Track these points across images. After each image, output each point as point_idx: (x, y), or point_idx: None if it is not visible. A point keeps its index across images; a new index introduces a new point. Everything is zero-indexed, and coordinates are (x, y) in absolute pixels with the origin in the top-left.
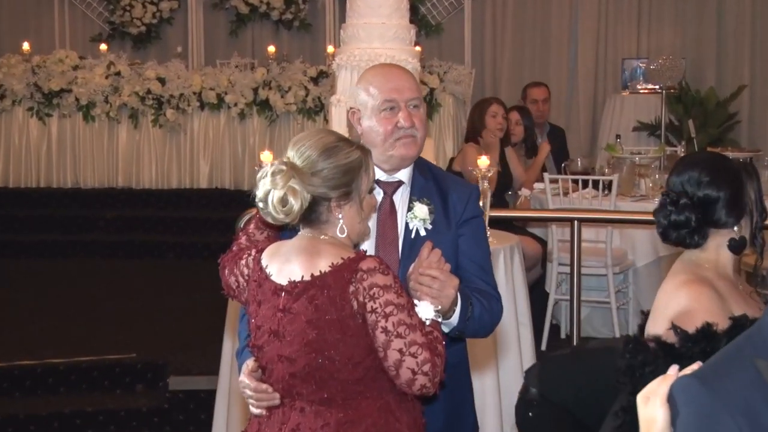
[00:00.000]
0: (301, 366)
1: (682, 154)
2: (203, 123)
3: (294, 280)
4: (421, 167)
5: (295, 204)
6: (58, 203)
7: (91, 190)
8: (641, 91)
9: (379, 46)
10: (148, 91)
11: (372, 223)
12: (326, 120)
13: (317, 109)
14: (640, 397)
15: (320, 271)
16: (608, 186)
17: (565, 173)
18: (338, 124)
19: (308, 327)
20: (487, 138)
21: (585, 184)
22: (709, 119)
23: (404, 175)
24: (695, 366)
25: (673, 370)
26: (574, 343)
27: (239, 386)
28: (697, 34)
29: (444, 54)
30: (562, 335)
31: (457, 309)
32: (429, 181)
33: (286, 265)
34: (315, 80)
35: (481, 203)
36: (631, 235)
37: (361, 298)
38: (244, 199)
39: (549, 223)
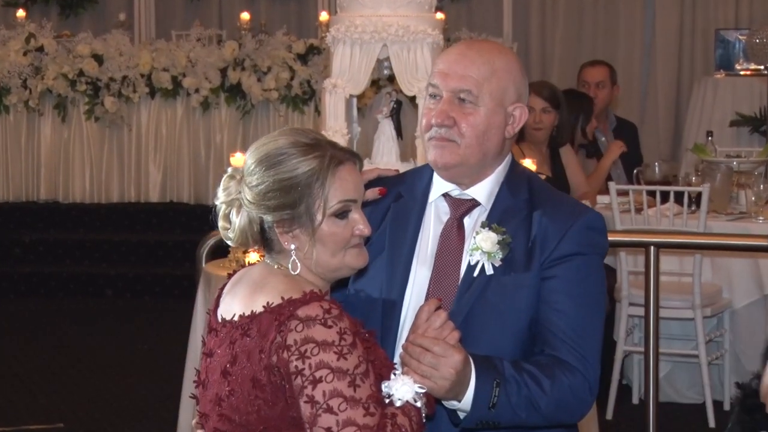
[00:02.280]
0: (212, 429)
1: None
2: (154, 115)
3: (225, 319)
4: (515, 181)
5: (238, 222)
6: None
7: (4, 206)
8: (741, 72)
9: (388, 13)
10: (81, 73)
11: (429, 254)
12: (318, 111)
13: (306, 97)
14: None
15: (252, 311)
16: (696, 200)
17: (638, 183)
18: (333, 116)
19: (222, 380)
20: (529, 136)
21: (665, 197)
22: None
23: (481, 191)
24: None
25: None
26: (651, 409)
27: None
28: None
29: (475, 23)
30: (635, 399)
31: (470, 391)
32: (519, 202)
33: (231, 297)
34: (303, 58)
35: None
36: (727, 266)
37: (285, 354)
38: (207, 218)
39: (616, 249)
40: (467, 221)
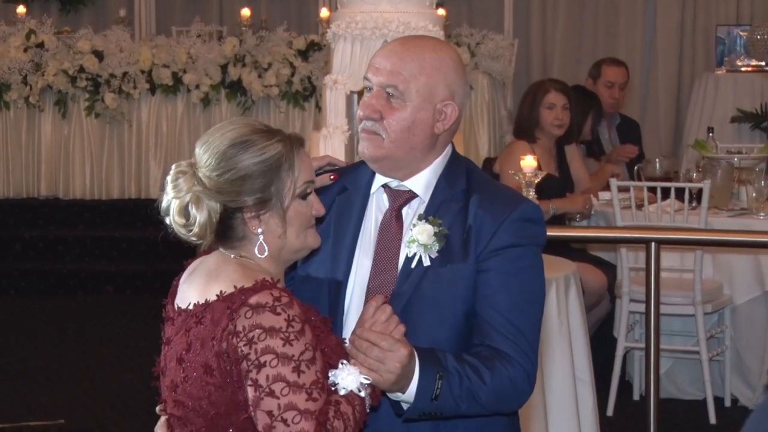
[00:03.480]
0: (168, 414)
1: None
2: (154, 111)
3: (180, 307)
4: (453, 173)
5: (199, 216)
6: None
7: (4, 202)
8: (742, 68)
9: (389, 9)
10: (81, 69)
11: (370, 244)
12: (318, 107)
13: (307, 93)
14: None
15: (206, 300)
16: (697, 196)
17: (639, 179)
18: (334, 112)
19: (178, 367)
20: (543, 135)
21: (666, 193)
22: None
23: (418, 183)
24: None
25: None
26: (651, 405)
27: None
28: None
29: (476, 20)
30: (635, 396)
31: (414, 383)
32: (457, 193)
33: (188, 286)
34: (304, 54)
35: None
36: (728, 263)
37: (234, 340)
38: None
39: (617, 245)
40: (406, 212)
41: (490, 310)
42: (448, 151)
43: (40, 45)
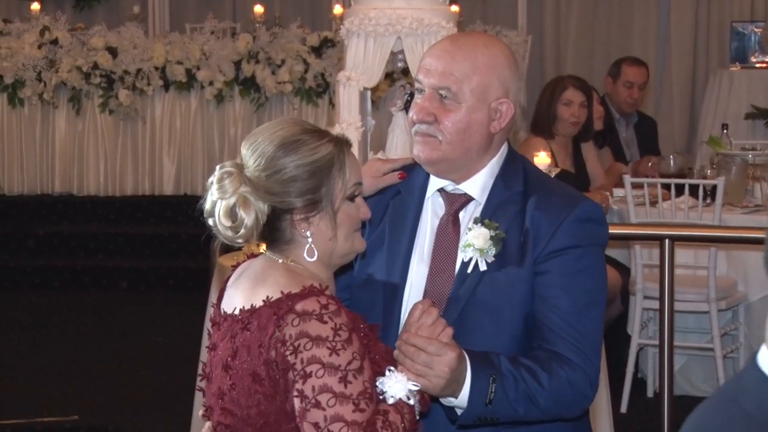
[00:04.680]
0: (216, 423)
1: None
2: (168, 108)
3: (226, 312)
4: (510, 173)
5: (247, 218)
6: None
7: (18, 198)
8: (756, 65)
9: (402, 6)
10: (95, 66)
11: (427, 249)
12: (332, 104)
13: (320, 90)
14: None
15: (252, 305)
16: (711, 193)
17: (653, 175)
18: (347, 108)
19: (224, 374)
20: (559, 131)
21: (680, 190)
22: None
23: (474, 185)
24: None
25: None
26: (665, 403)
27: None
28: None
29: (490, 16)
30: (649, 393)
31: (466, 388)
32: (514, 195)
33: (234, 290)
34: (317, 51)
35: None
36: (742, 259)
37: (282, 348)
38: None
39: (631, 242)
40: (462, 216)
41: (548, 312)
42: (504, 149)
43: (54, 42)
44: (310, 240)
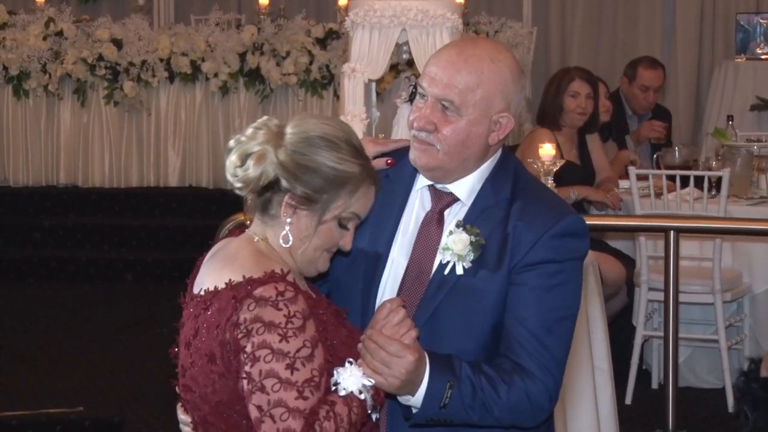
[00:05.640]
0: (183, 400)
1: None
2: (173, 100)
3: (193, 293)
4: (499, 178)
5: (252, 170)
6: None
7: (23, 190)
8: (762, 56)
9: None
10: (100, 57)
11: (409, 241)
12: (336, 95)
13: (325, 82)
14: None
15: (215, 287)
16: (716, 184)
17: (658, 167)
18: (352, 100)
19: (186, 352)
20: (570, 120)
21: (685, 181)
22: None
23: (462, 188)
24: None
25: None
26: (670, 394)
27: None
28: None
29: (495, 7)
30: (654, 384)
31: (421, 389)
32: (501, 200)
33: (205, 270)
34: (322, 43)
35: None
36: (747, 251)
37: (235, 331)
38: (226, 202)
39: (636, 234)
40: (447, 214)
41: (517, 324)
42: (497, 155)
43: (59, 33)
44: (288, 228)
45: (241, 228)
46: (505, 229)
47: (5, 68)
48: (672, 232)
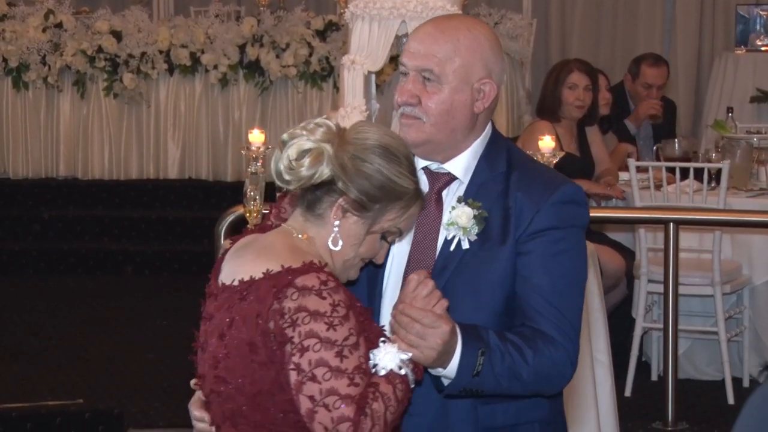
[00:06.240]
0: (208, 391)
1: None
2: (172, 92)
3: (224, 283)
4: (493, 154)
5: (306, 168)
6: None
7: (23, 182)
8: (762, 48)
9: None
10: (99, 49)
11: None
12: (336, 87)
13: (325, 74)
14: None
15: (251, 277)
16: (716, 176)
17: (658, 159)
18: (352, 92)
19: (219, 343)
20: (568, 112)
21: (684, 173)
22: None
23: (458, 165)
24: None
25: None
26: (670, 386)
27: None
28: None
29: None
30: (654, 376)
31: (455, 359)
32: (497, 175)
33: (234, 261)
34: (322, 34)
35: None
36: (747, 243)
37: (280, 321)
38: (226, 194)
39: (636, 226)
40: (445, 194)
41: (531, 292)
42: (488, 131)
43: (59, 25)
44: (336, 230)
45: (261, 226)
46: (505, 200)
47: (5, 60)
48: (672, 224)
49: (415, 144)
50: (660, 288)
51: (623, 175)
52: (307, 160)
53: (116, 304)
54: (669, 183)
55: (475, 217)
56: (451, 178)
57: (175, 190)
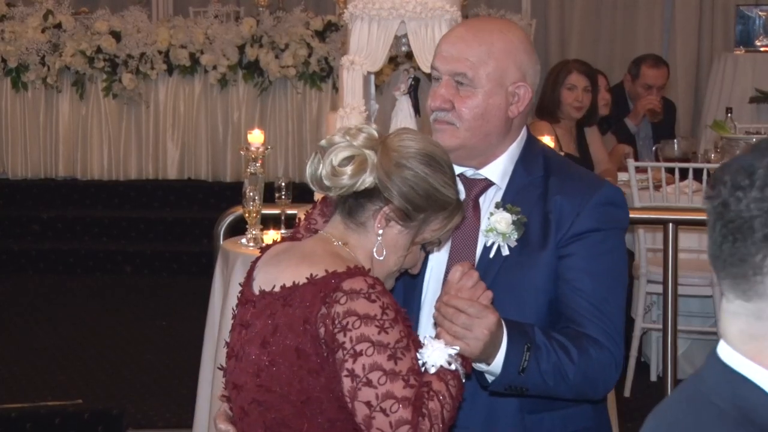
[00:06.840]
0: (249, 401)
1: None
2: (171, 92)
3: (264, 290)
4: (530, 158)
5: (348, 176)
6: None
7: (22, 183)
8: (761, 49)
9: None
10: (99, 50)
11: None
12: (335, 88)
13: (324, 74)
14: None
15: (294, 282)
16: None
17: (658, 159)
18: (351, 93)
19: (262, 351)
20: (567, 113)
21: (684, 174)
22: None
23: (494, 170)
24: None
25: None
26: (669, 386)
27: None
28: None
29: (494, 0)
30: (653, 377)
31: (501, 354)
32: (535, 179)
33: (273, 268)
34: (321, 35)
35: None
36: None
37: (330, 326)
38: (225, 194)
39: (635, 226)
40: (482, 201)
41: (574, 295)
42: (523, 134)
43: (58, 26)
44: (379, 239)
45: (291, 237)
46: (545, 204)
47: (4, 61)
48: (671, 224)
49: (450, 149)
50: (659, 288)
51: (622, 176)
52: (350, 168)
53: (116, 304)
54: (668, 183)
55: (514, 222)
56: (487, 184)
57: (174, 191)
